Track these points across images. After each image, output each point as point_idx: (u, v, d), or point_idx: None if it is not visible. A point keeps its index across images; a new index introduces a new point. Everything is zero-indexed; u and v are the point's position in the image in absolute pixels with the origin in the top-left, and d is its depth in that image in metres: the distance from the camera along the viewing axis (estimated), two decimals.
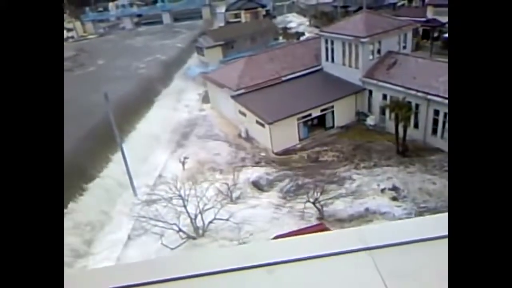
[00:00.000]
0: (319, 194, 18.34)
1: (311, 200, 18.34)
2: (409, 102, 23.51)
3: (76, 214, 19.93)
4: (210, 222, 18.57)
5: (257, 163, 24.34)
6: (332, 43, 29.66)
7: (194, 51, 49.02)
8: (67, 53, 57.61)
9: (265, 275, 1.35)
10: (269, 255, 1.44)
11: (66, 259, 16.72)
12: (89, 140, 25.73)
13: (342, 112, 27.40)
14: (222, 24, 62.60)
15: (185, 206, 18.18)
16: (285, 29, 56.09)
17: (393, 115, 24.14)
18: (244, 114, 28.07)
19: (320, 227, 14.56)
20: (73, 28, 70.93)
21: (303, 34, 52.64)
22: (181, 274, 1.32)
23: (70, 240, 18.05)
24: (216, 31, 50.22)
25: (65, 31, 69.01)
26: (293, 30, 56.42)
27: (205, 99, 35.81)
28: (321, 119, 27.21)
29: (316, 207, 18.52)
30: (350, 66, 28.46)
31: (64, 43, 65.76)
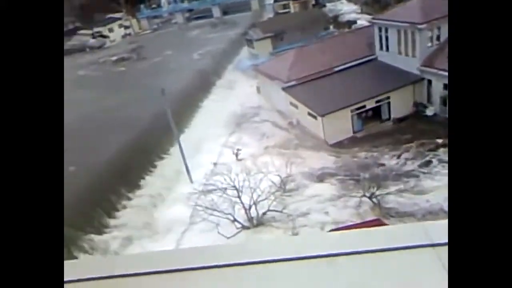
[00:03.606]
0: (375, 188, 17.95)
1: (367, 194, 18.03)
2: None
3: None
4: (264, 213, 18.94)
5: (309, 155, 24.26)
6: (386, 31, 28.52)
7: (244, 43, 49.44)
8: (129, 47, 61.05)
9: (324, 266, 1.32)
10: (328, 246, 1.41)
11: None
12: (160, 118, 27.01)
13: (399, 103, 26.36)
14: (271, 15, 62.33)
15: (239, 197, 18.69)
16: (336, 17, 54.67)
17: None
18: (296, 106, 28.00)
19: (376, 223, 14.29)
20: (130, 25, 74.37)
21: (355, 22, 50.95)
22: (239, 260, 1.32)
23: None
24: (265, 23, 50.15)
25: (122, 29, 72.57)
26: (344, 19, 54.81)
27: (256, 91, 36.14)
28: (377, 111, 26.40)
29: (372, 202, 18.17)
30: (406, 54, 27.24)
31: (123, 40, 69.38)
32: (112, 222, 20.96)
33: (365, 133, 25.70)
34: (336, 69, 29.24)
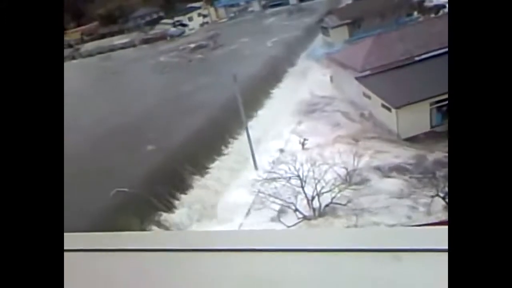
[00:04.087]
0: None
1: (441, 194, 16.65)
2: None
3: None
4: (327, 205, 18.53)
5: (380, 149, 23.06)
6: None
7: (319, 31, 48.27)
8: (206, 35, 63.65)
9: (390, 261, 1.26)
10: (393, 241, 1.33)
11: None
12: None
13: None
14: (349, 1, 59.89)
15: (302, 187, 18.50)
16: (422, 2, 50.58)
17: None
18: (369, 97, 26.68)
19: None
20: (208, 14, 77.00)
21: (443, 7, 46.67)
22: (297, 246, 1.30)
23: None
24: (342, 9, 48.30)
25: (201, 17, 75.46)
26: (432, 3, 50.49)
27: (329, 80, 35.20)
28: None
29: (446, 202, 16.76)
30: None
31: (201, 28, 72.25)
32: (177, 201, 22.18)
33: (445, 128, 23.62)
34: (417, 58, 27.16)
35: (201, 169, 24.56)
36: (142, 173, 23.10)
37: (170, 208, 21.45)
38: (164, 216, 20.86)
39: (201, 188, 23.09)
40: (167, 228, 20.06)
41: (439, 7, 47.07)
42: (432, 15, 42.18)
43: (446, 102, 23.75)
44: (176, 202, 21.99)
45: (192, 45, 58.85)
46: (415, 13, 45.74)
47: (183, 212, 21.21)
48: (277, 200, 18.61)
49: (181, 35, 68.74)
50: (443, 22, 30.54)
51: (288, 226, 17.79)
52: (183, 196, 22.46)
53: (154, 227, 19.67)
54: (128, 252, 1.42)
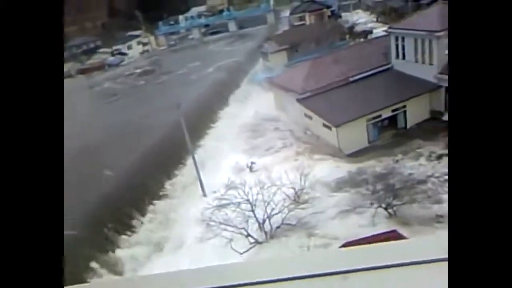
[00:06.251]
0: (391, 198, 17.43)
1: (383, 205, 17.49)
2: None
3: None
4: (278, 227, 18.60)
5: (324, 166, 23.82)
6: (402, 39, 28.11)
7: (259, 56, 49.78)
8: (145, 62, 62.86)
9: (337, 284, 1.29)
10: (342, 262, 1.38)
11: None
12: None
13: (415, 112, 25.75)
14: (286, 28, 62.71)
15: (253, 211, 18.44)
16: (352, 28, 54.43)
17: None
18: (310, 117, 27.73)
19: (393, 234, 13.74)
20: (148, 42, 76.35)
21: (371, 32, 50.60)
22: (248, 280, 1.29)
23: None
24: (281, 36, 50.40)
25: (141, 45, 74.61)
26: (360, 29, 54.53)
27: (270, 103, 36.08)
28: (393, 120, 25.85)
29: (388, 212, 17.64)
30: (423, 63, 26.70)
31: (141, 56, 71.28)
32: (122, 239, 20.96)
33: (382, 142, 25.13)
34: (352, 79, 28.92)
35: (145, 205, 23.46)
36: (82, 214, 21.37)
37: (115, 248, 20.22)
38: (111, 255, 19.64)
39: (144, 223, 22.12)
40: (114, 269, 18.88)
41: (367, 32, 51.01)
42: (362, 40, 45.45)
43: (381, 118, 25.41)
44: (126, 237, 20.85)
45: (131, 73, 58.34)
46: (347, 37, 49.03)
47: (128, 253, 20.08)
48: (228, 227, 18.31)
49: (119, 64, 67.29)
50: (372, 46, 33.04)
51: (241, 253, 17.53)
52: (129, 234, 21.31)
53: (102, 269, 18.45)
54: None
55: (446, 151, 22.01)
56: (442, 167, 20.94)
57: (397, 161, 22.67)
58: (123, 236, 21.02)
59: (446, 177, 20.10)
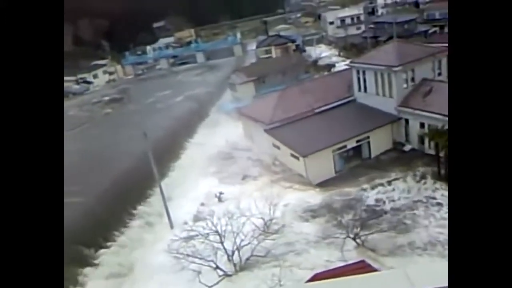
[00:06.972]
0: (359, 228, 17.71)
1: (351, 235, 17.72)
2: None
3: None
4: (247, 259, 18.29)
5: (293, 196, 23.98)
6: (364, 73, 29.58)
7: (227, 87, 50.45)
8: (111, 91, 61.89)
9: None
10: None
11: None
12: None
13: (378, 143, 26.80)
14: (253, 60, 64.30)
15: (222, 243, 18.08)
16: (316, 62, 56.74)
17: (432, 144, 23.36)
18: (278, 148, 28.10)
19: (361, 265, 13.86)
20: (115, 71, 75.55)
21: (333, 65, 52.97)
22: None
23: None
24: (248, 68, 51.56)
25: (107, 75, 73.64)
26: (324, 63, 56.95)
27: (239, 133, 36.31)
28: (357, 150, 26.70)
29: (356, 242, 17.85)
30: (384, 95, 28.11)
31: (107, 85, 70.17)
32: (86, 270, 19.81)
33: (348, 172, 25.75)
34: (317, 110, 29.82)
35: (109, 235, 22.48)
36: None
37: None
38: None
39: (107, 254, 21.05)
40: None
41: (330, 65, 53.35)
42: (326, 73, 47.37)
43: (346, 148, 26.19)
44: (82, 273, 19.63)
45: (96, 101, 57.19)
46: (312, 70, 50.92)
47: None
48: (196, 260, 17.79)
49: (84, 92, 65.90)
50: (335, 78, 34.46)
51: (210, 287, 17.01)
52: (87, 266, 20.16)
53: None
54: None
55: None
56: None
57: (365, 189, 23.21)
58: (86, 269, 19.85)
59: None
